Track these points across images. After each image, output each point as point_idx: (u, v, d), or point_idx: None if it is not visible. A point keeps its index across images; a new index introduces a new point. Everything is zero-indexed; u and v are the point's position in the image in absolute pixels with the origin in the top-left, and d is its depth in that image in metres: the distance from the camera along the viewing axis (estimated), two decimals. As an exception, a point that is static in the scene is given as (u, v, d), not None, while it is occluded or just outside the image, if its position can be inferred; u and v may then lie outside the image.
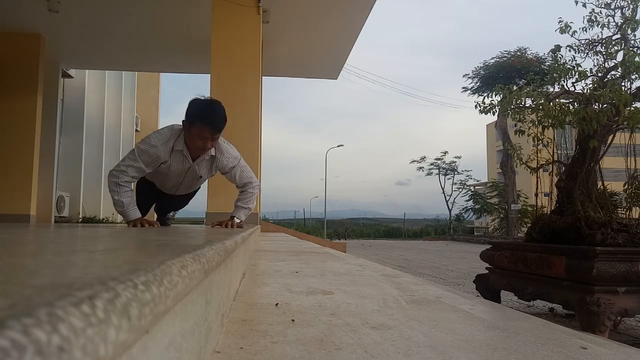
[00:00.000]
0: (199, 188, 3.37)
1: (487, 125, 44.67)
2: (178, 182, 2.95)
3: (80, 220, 9.13)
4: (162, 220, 3.64)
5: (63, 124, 8.96)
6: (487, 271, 4.15)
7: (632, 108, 3.54)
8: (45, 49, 6.84)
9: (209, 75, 5.14)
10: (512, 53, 26.01)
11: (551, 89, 4.35)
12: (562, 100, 4.13)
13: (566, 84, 4.07)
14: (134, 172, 2.61)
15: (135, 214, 2.63)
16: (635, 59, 3.55)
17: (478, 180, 40.87)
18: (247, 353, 0.77)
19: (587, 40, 4.06)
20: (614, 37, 3.98)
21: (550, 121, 3.91)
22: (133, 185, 2.69)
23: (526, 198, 26.09)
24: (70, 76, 8.91)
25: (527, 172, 4.48)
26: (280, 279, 1.76)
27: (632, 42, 3.89)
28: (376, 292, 1.50)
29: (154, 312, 0.33)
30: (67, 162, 9.13)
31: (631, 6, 3.95)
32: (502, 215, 29.83)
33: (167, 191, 3.10)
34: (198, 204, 3.83)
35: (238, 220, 2.82)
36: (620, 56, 3.79)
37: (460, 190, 39.07)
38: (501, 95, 4.38)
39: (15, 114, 6.50)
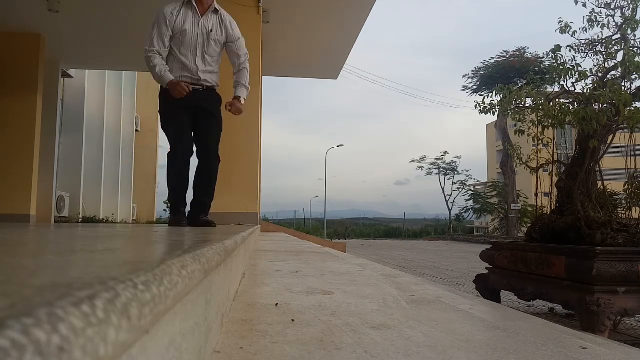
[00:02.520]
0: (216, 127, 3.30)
1: (487, 125, 44.65)
2: (194, 44, 3.20)
3: (80, 220, 9.12)
4: (204, 220, 3.12)
5: (63, 124, 8.95)
6: (487, 271, 4.15)
7: (632, 108, 3.54)
8: (45, 49, 6.84)
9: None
10: (511, 53, 26.03)
11: (550, 89, 4.35)
12: (562, 100, 4.13)
13: (566, 84, 4.07)
14: (158, 40, 3.09)
15: (169, 76, 3.04)
16: (635, 59, 3.55)
17: (478, 180, 40.83)
18: (247, 353, 0.77)
19: (587, 40, 4.06)
20: (614, 37, 3.98)
21: (550, 121, 3.91)
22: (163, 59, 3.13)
23: (526, 198, 26.07)
24: (70, 76, 8.91)
25: (527, 172, 4.48)
26: (280, 279, 1.76)
27: (632, 42, 3.89)
28: (376, 292, 1.50)
29: (154, 312, 0.33)
30: (67, 162, 9.13)
31: (631, 6, 3.95)
32: (502, 215, 29.81)
33: (186, 60, 3.17)
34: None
35: (243, 101, 3.27)
36: (620, 56, 3.79)
37: (460, 190, 39.05)
38: (501, 95, 4.38)
39: (15, 114, 6.49)
